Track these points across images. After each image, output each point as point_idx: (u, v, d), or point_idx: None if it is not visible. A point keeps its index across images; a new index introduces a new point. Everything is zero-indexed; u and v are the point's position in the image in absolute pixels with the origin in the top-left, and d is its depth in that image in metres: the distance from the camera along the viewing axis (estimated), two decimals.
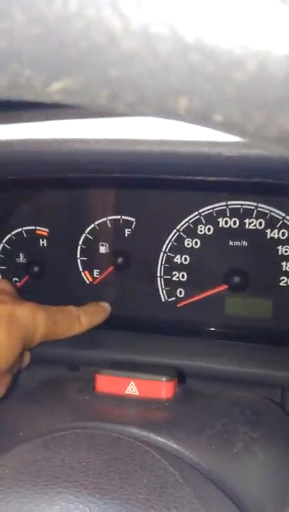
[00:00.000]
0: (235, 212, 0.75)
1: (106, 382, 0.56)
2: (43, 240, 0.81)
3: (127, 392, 0.55)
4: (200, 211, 0.76)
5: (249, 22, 0.12)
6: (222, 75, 0.13)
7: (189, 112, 0.14)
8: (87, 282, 0.81)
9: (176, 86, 0.14)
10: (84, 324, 0.69)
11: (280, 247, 0.74)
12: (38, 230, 0.81)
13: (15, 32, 0.14)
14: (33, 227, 0.81)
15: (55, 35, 0.13)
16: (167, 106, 0.15)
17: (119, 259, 0.79)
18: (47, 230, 0.81)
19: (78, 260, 0.81)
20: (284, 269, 0.75)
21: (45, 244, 0.81)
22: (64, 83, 0.15)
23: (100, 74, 0.14)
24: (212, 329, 0.78)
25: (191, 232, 0.76)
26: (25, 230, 0.81)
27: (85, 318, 0.69)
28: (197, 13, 0.12)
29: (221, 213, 0.75)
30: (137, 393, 0.55)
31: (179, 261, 0.78)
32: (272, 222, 0.74)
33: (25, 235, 0.82)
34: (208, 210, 0.75)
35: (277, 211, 0.73)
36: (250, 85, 0.13)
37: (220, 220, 0.75)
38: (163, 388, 0.55)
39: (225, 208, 0.75)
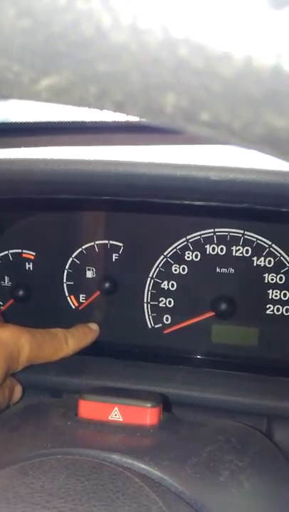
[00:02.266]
0: (222, 240, 0.75)
1: (89, 408, 0.54)
2: (29, 264, 0.81)
3: (110, 418, 0.54)
4: (187, 237, 0.76)
5: (237, 16, 0.13)
6: (209, 69, 0.13)
7: (177, 109, 0.15)
8: (73, 307, 0.80)
9: (164, 81, 0.14)
10: (71, 347, 0.67)
11: (266, 275, 0.75)
12: (25, 253, 0.81)
13: (4, 25, 0.14)
14: (20, 251, 0.81)
15: (44, 28, 0.14)
16: (155, 103, 0.15)
17: (106, 284, 0.78)
18: (33, 254, 0.80)
19: (64, 284, 0.80)
20: (270, 297, 0.75)
21: (31, 268, 0.81)
22: (52, 79, 0.15)
23: (88, 68, 0.14)
24: (198, 357, 0.77)
25: (178, 258, 0.76)
26: (12, 253, 0.81)
27: (72, 340, 0.68)
28: (186, 7, 0.13)
29: (209, 240, 0.75)
30: (121, 419, 0.54)
31: (166, 287, 0.77)
32: (258, 250, 0.74)
33: (11, 258, 0.81)
34: (196, 236, 0.76)
35: (264, 239, 0.74)
36: (236, 80, 0.13)
37: (207, 246, 0.76)
38: (148, 415, 0.54)
39: (212, 234, 0.75)
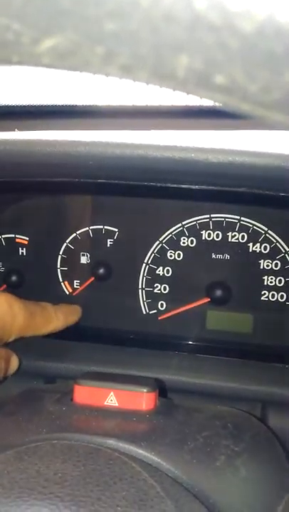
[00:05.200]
0: (218, 225, 0.74)
1: (84, 393, 0.54)
2: (22, 249, 0.79)
3: (106, 403, 0.53)
4: (183, 223, 0.75)
5: None
6: (227, 25, 0.12)
7: (189, 72, 0.14)
8: (67, 293, 0.80)
9: (177, 40, 0.13)
10: (61, 320, 0.67)
11: (261, 261, 0.74)
12: (18, 238, 0.79)
13: None
14: (13, 236, 0.79)
15: None
16: (165, 66, 0.14)
17: (101, 270, 0.77)
18: (27, 239, 0.79)
19: (58, 270, 0.79)
20: (265, 284, 0.75)
21: (24, 253, 0.80)
22: (55, 40, 0.14)
23: (94, 27, 0.13)
24: (193, 343, 0.77)
25: (174, 244, 0.76)
26: (5, 238, 0.80)
27: (61, 315, 0.68)
28: None
29: (204, 226, 0.75)
30: (117, 404, 0.53)
31: (161, 273, 0.77)
32: (254, 236, 0.74)
33: (4, 243, 0.80)
34: (192, 222, 0.75)
35: (260, 225, 0.73)
36: (256, 37, 0.12)
37: (203, 232, 0.75)
38: (144, 400, 0.53)
39: (208, 220, 0.75)
